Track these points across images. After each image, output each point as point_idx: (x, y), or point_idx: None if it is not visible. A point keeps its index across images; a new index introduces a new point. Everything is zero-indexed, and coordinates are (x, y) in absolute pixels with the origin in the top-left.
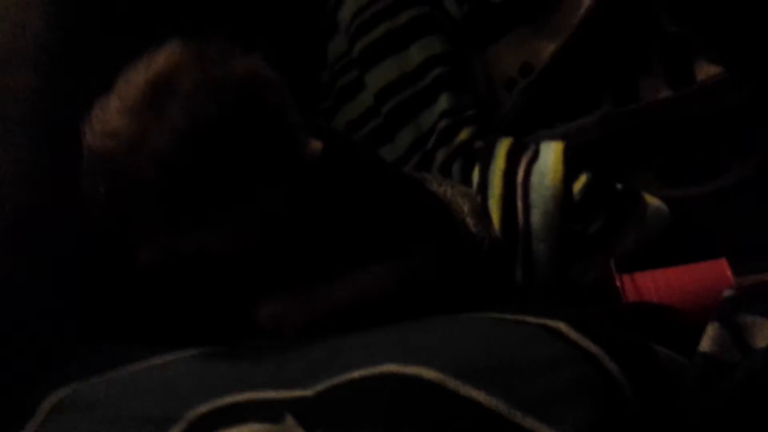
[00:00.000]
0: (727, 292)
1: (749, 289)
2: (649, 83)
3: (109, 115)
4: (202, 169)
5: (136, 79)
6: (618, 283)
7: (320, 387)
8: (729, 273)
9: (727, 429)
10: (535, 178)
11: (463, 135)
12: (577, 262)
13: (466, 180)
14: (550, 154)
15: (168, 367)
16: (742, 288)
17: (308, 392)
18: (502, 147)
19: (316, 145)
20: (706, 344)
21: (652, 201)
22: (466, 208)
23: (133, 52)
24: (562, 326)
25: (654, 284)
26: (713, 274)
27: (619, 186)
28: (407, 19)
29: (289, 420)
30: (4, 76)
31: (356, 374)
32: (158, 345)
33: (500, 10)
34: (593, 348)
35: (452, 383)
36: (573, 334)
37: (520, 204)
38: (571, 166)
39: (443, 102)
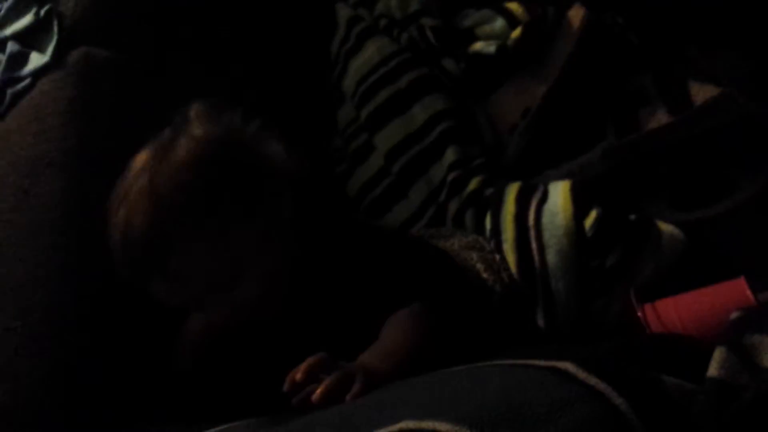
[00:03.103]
0: (734, 315)
1: (756, 309)
2: (649, 113)
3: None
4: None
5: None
6: (640, 314)
7: None
8: (748, 291)
9: None
10: (546, 219)
11: (473, 184)
12: (598, 297)
13: (480, 227)
14: (559, 194)
15: None
16: (749, 308)
17: None
18: (511, 191)
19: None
20: (714, 369)
21: (666, 227)
22: (475, 256)
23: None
24: (569, 366)
25: (676, 311)
26: (733, 294)
27: (631, 217)
28: (408, 81)
29: None
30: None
31: None
32: (202, 422)
33: (495, 63)
34: (600, 385)
35: None
36: (581, 374)
37: (534, 245)
38: (580, 202)
39: (450, 155)
